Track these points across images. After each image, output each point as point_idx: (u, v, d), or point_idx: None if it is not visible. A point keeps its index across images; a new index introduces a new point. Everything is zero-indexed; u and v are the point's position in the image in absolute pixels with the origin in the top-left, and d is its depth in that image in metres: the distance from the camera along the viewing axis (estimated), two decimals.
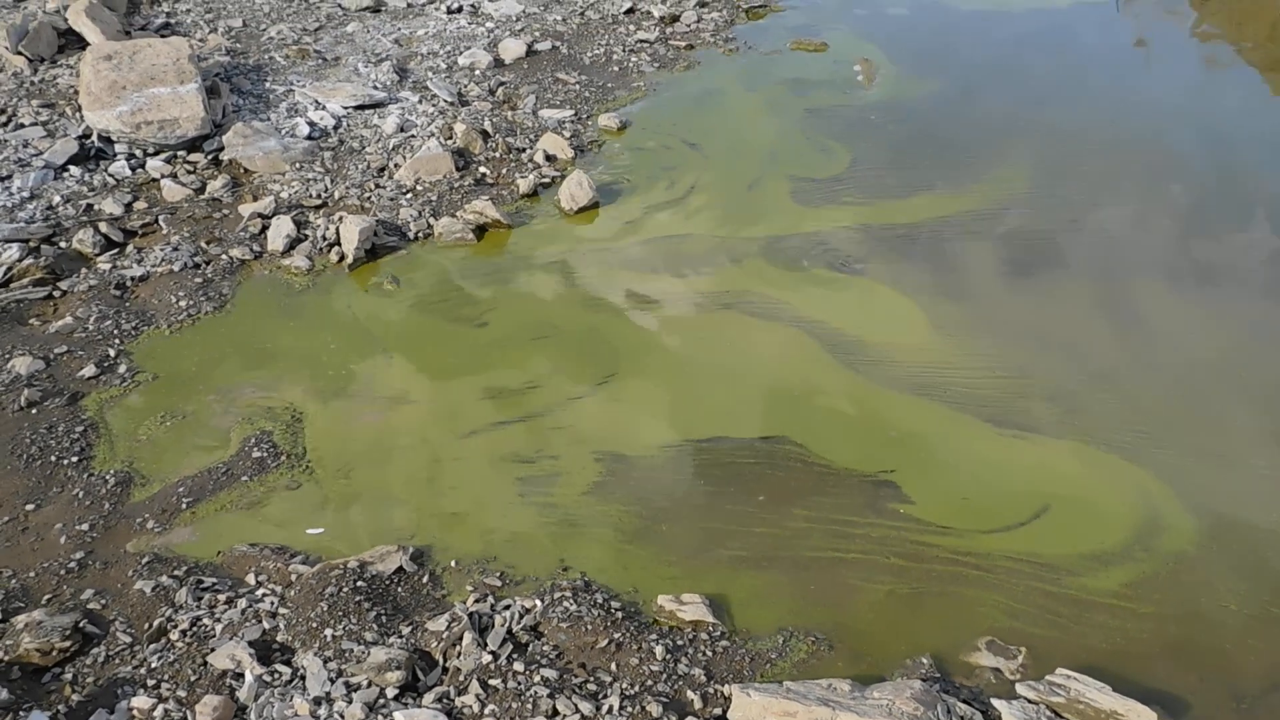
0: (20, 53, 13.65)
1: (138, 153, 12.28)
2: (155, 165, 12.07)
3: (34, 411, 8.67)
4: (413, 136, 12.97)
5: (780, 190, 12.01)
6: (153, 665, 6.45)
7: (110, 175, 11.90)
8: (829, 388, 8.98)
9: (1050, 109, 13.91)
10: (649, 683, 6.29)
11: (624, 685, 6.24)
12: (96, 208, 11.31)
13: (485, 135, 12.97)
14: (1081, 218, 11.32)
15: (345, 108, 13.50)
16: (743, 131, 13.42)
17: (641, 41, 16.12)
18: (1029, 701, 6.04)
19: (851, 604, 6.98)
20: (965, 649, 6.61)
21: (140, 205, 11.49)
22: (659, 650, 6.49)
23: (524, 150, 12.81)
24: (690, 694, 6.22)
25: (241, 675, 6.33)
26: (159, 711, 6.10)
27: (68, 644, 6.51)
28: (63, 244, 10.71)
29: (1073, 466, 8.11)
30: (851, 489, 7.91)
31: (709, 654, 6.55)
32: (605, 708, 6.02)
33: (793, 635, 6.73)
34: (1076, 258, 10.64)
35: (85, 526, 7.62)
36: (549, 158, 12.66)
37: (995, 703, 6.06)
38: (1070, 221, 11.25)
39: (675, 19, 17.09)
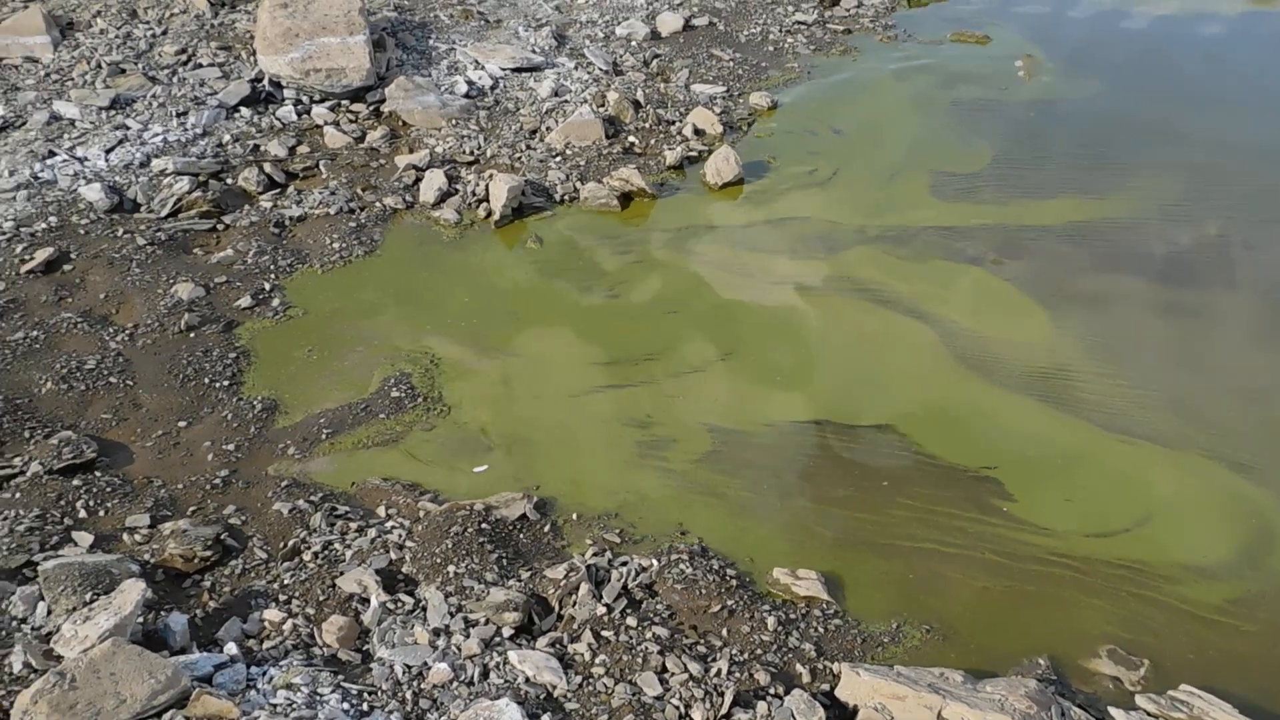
0: None
1: (304, 99, 12.75)
2: (320, 112, 12.52)
3: (192, 335, 9.13)
4: (566, 101, 13.15)
5: (919, 183, 11.80)
6: (285, 582, 6.77)
7: (277, 119, 12.40)
8: (942, 381, 8.85)
9: (1214, 121, 13.22)
10: (759, 651, 6.32)
11: (734, 651, 6.29)
12: (263, 148, 11.80)
13: (637, 105, 13.07)
14: (1231, 233, 10.77)
15: (503, 69, 13.76)
16: (891, 121, 13.21)
17: (799, 23, 15.98)
18: (1147, 714, 5.88)
19: (964, 598, 6.87)
20: (1085, 655, 6.46)
21: (303, 149, 11.95)
22: (771, 621, 6.51)
23: (673, 123, 12.87)
24: (799, 667, 6.24)
25: (367, 600, 6.59)
26: (288, 625, 6.40)
27: (209, 554, 6.87)
28: (229, 180, 11.22)
29: (1185, 477, 7.82)
30: (955, 484, 7.78)
31: (821, 630, 6.54)
32: (714, 670, 6.07)
33: (906, 622, 6.67)
34: (1218, 273, 10.18)
35: (231, 447, 8.01)
36: (697, 132, 12.70)
37: (1112, 711, 5.91)
38: (1218, 236, 10.74)
39: (835, 2, 16.87)
